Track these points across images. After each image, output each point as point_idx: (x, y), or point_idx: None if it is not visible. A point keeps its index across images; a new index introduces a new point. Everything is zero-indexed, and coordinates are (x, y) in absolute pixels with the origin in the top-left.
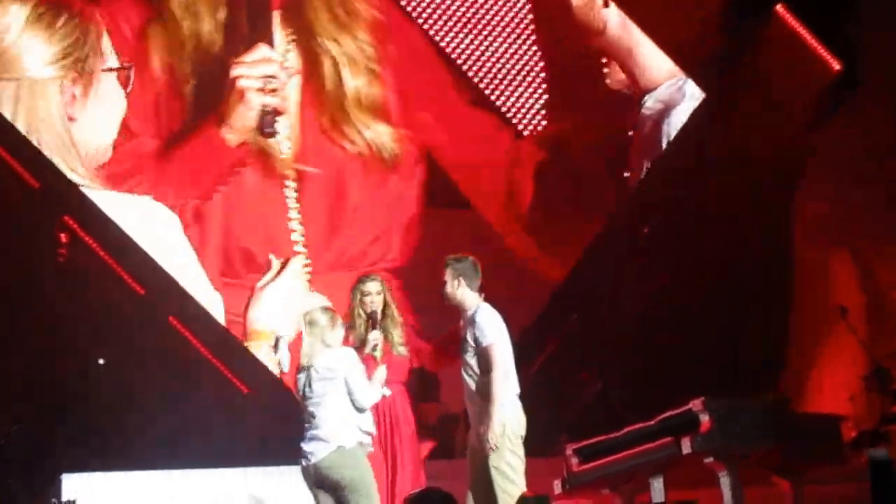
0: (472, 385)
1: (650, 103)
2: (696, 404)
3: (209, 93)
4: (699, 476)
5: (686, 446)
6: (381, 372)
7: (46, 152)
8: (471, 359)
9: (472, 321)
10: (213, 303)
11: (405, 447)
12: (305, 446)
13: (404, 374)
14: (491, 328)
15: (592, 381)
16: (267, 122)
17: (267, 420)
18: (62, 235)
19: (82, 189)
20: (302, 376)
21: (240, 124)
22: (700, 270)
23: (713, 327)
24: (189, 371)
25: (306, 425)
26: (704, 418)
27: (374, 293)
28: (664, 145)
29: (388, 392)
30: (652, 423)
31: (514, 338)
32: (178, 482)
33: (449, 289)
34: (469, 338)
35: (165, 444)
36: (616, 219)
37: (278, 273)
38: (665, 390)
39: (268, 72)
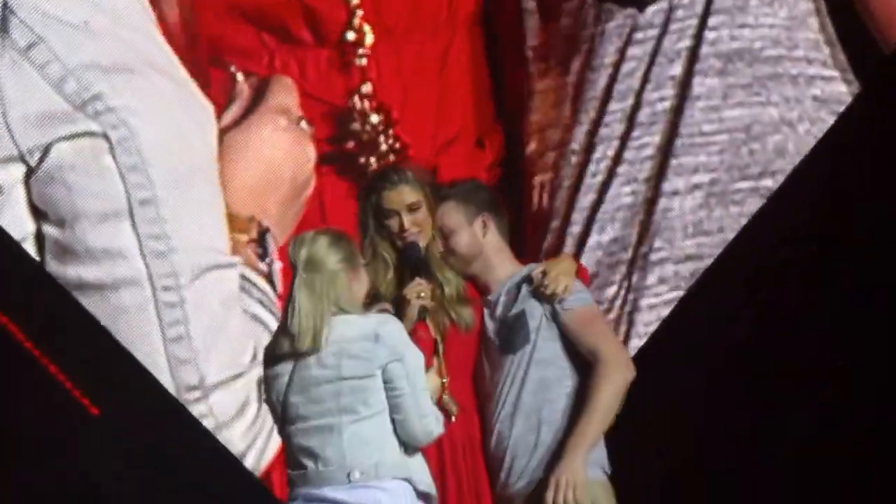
0: (530, 398)
1: None
2: None
3: None
4: None
5: None
6: (432, 378)
7: None
8: (537, 353)
9: (519, 289)
10: (200, 124)
11: None
12: None
13: (469, 368)
14: (580, 284)
15: None
16: None
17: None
18: None
19: None
20: (279, 371)
21: None
22: None
23: None
24: None
25: (291, 473)
26: None
27: (405, 207)
28: None
29: (454, 408)
30: None
31: None
32: None
33: (466, 240)
34: (534, 311)
35: None
36: None
37: (251, 105)
38: None
39: None
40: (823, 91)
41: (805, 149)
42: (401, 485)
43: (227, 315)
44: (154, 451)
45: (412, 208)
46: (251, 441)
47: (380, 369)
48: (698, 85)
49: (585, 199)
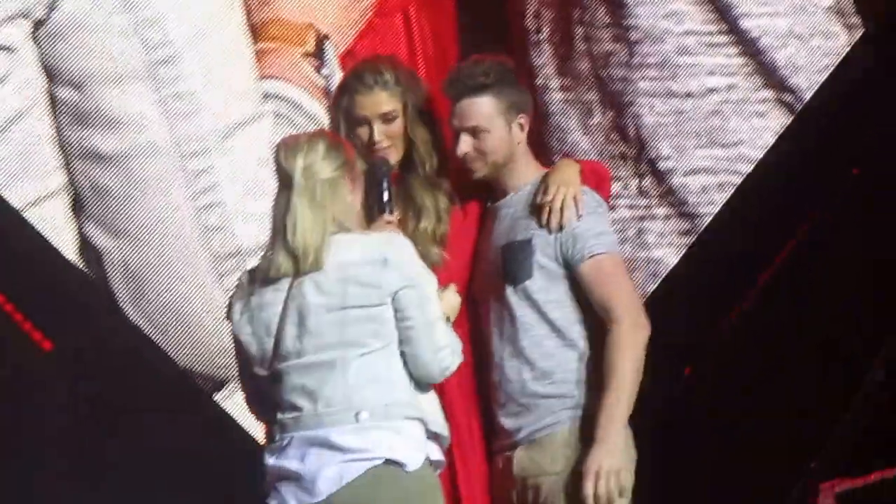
0: (537, 342)
1: None
2: None
3: None
4: None
5: None
6: (451, 297)
7: None
8: (541, 294)
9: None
10: None
11: (471, 474)
12: (286, 463)
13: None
14: (606, 220)
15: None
16: None
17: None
18: None
19: None
20: (269, 299)
21: None
22: None
23: None
24: None
25: (283, 417)
26: None
27: (378, 116)
28: None
29: (459, 347)
30: None
31: None
32: None
33: (502, 144)
34: (543, 245)
35: None
36: None
37: None
38: None
39: None
40: (838, 1)
41: (818, 65)
42: (413, 425)
43: (263, 173)
44: (113, 388)
45: (387, 118)
46: None
47: (390, 297)
48: None
49: (579, 65)
